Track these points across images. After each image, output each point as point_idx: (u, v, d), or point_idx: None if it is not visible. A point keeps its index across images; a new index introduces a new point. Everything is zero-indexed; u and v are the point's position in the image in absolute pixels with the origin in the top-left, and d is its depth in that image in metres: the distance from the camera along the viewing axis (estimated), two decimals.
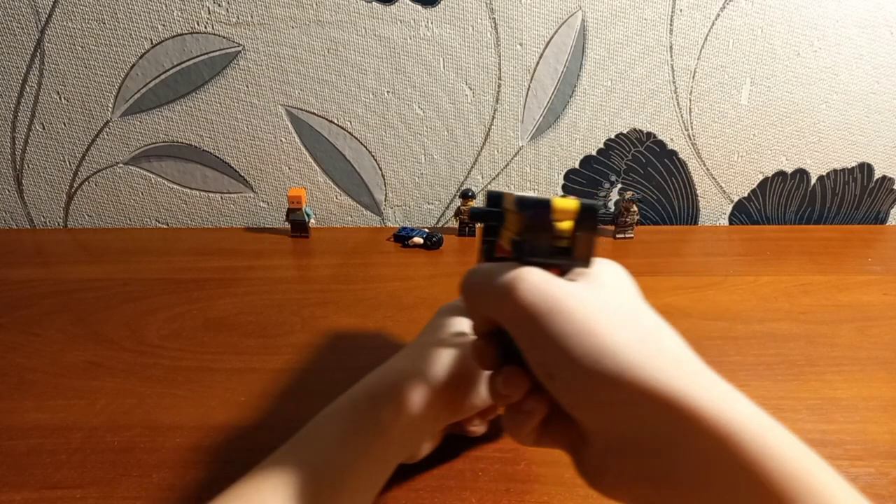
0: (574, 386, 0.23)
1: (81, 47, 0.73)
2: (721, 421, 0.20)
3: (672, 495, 0.21)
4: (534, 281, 0.23)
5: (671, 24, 0.73)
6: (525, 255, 0.25)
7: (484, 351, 0.27)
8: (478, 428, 0.38)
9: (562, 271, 0.26)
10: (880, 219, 0.87)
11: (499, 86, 0.76)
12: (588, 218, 0.24)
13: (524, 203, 0.25)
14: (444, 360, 0.34)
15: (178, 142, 0.79)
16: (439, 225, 0.85)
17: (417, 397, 0.32)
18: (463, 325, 0.38)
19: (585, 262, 0.25)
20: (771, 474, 0.19)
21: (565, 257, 0.25)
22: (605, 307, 0.23)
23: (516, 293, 0.23)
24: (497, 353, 0.27)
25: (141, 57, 0.73)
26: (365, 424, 0.31)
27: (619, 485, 0.23)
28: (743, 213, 0.85)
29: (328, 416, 0.32)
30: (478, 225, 0.40)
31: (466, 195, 0.73)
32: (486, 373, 0.33)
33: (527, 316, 0.23)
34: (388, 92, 0.76)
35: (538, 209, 0.24)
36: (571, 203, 0.24)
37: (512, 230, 0.28)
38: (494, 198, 0.31)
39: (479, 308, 0.26)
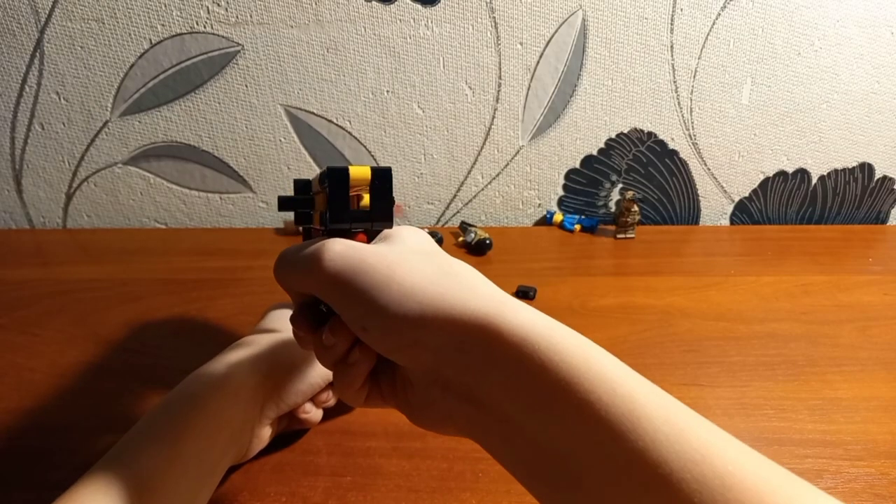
0: (386, 332, 0.24)
1: (81, 47, 0.73)
2: (516, 331, 0.22)
3: (487, 412, 0.23)
4: (336, 249, 0.25)
5: (672, 24, 0.73)
6: (329, 224, 0.26)
7: (301, 317, 0.28)
8: (311, 414, 0.38)
9: (368, 237, 0.28)
10: (881, 219, 0.87)
11: (499, 85, 0.76)
12: (381, 180, 0.26)
13: (323, 176, 0.27)
14: (261, 351, 0.35)
15: (177, 142, 0.78)
16: (439, 225, 0.85)
17: (237, 391, 0.33)
18: (284, 316, 0.39)
19: (385, 223, 0.27)
20: (558, 366, 0.21)
21: (366, 221, 0.27)
22: (404, 259, 0.25)
23: (322, 262, 0.24)
24: (314, 318, 0.28)
25: (140, 57, 0.73)
26: (182, 425, 0.30)
27: (445, 416, 0.25)
28: (744, 212, 0.85)
29: (147, 422, 0.31)
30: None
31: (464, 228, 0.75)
32: (308, 354, 0.35)
33: (334, 280, 0.24)
34: (387, 91, 0.76)
35: (335, 178, 0.26)
36: (364, 169, 0.26)
37: (321, 209, 0.29)
38: (302, 185, 0.33)
39: (291, 285, 0.28)
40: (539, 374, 0.21)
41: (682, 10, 0.72)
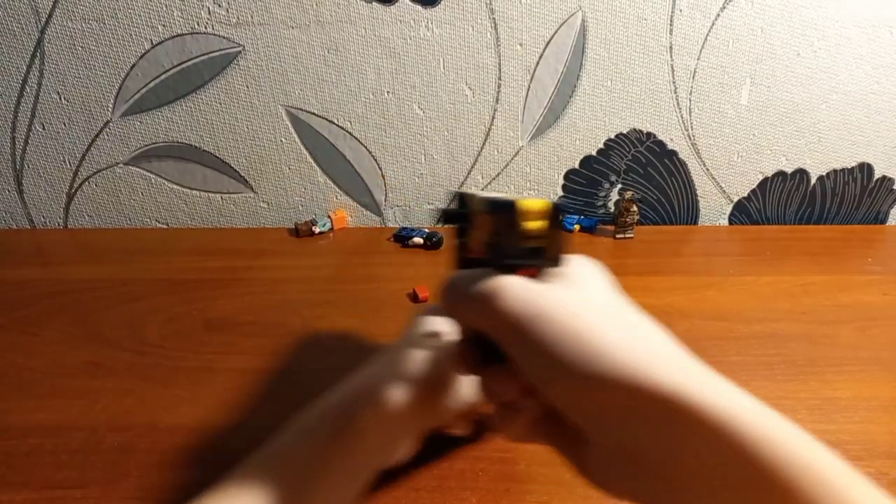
0: (567, 390, 0.22)
1: (81, 47, 0.73)
2: (716, 412, 0.20)
3: (675, 489, 0.21)
4: (514, 289, 0.23)
5: (671, 24, 0.73)
6: (498, 259, 0.25)
7: (465, 356, 0.27)
8: (462, 429, 0.38)
9: (538, 272, 0.26)
10: (880, 219, 0.87)
11: (499, 86, 0.76)
12: (555, 217, 0.25)
13: (492, 205, 0.25)
14: (418, 364, 0.34)
15: (178, 142, 0.79)
16: (439, 225, 0.85)
17: (393, 402, 0.32)
18: (438, 324, 0.37)
19: (557, 262, 0.25)
20: (771, 462, 0.18)
21: (538, 258, 0.25)
22: (588, 308, 0.23)
23: (497, 303, 0.23)
24: (478, 358, 0.26)
25: (141, 57, 0.73)
26: (338, 430, 0.30)
27: (621, 482, 0.23)
28: (743, 213, 0.85)
29: (302, 422, 0.31)
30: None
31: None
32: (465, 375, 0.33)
33: (511, 325, 0.23)
34: (388, 92, 0.76)
35: (505, 211, 0.24)
36: (538, 203, 0.24)
37: (483, 232, 0.28)
38: (462, 199, 0.31)
39: (461, 318, 0.26)
40: (746, 468, 0.19)
41: (681, 10, 0.72)
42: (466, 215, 0.30)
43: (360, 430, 0.30)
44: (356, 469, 0.30)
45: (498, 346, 0.24)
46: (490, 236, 0.26)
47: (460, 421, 0.37)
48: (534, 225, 0.24)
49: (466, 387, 0.35)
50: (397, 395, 0.32)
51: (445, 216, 0.31)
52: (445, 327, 0.37)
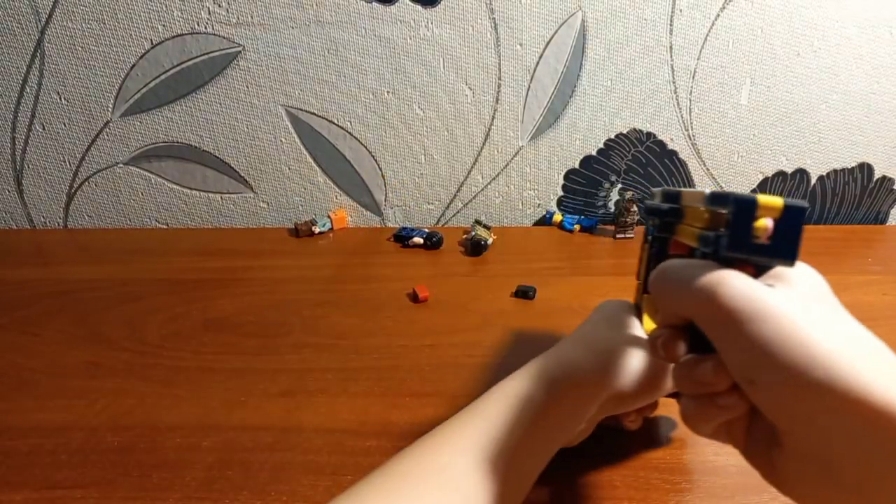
0: (780, 394, 0.22)
1: (81, 47, 0.73)
2: None
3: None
4: (737, 284, 0.23)
5: (671, 24, 0.73)
6: (722, 252, 0.24)
7: (673, 342, 0.26)
8: (634, 423, 0.39)
9: (757, 272, 0.25)
10: (880, 219, 0.87)
11: (499, 86, 0.76)
12: (794, 217, 0.24)
13: (724, 199, 0.25)
14: (620, 356, 0.35)
15: (178, 142, 0.79)
16: (439, 225, 0.85)
17: (592, 388, 0.34)
18: (636, 327, 0.38)
19: (787, 262, 0.25)
20: None
21: (765, 256, 0.24)
22: (810, 313, 0.23)
23: (719, 296, 0.23)
24: (686, 346, 0.26)
25: (141, 57, 0.73)
26: (533, 415, 0.32)
27: (812, 491, 0.23)
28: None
29: (508, 395, 0.33)
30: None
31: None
32: (654, 367, 0.35)
33: (730, 319, 0.22)
34: (388, 92, 0.76)
35: (743, 206, 0.24)
36: (775, 200, 0.24)
37: (696, 226, 0.28)
38: (673, 195, 0.32)
39: (672, 306, 0.26)
40: None
41: (681, 10, 0.72)
42: (678, 210, 0.31)
43: (558, 415, 0.32)
44: (547, 451, 0.32)
45: (706, 339, 0.24)
46: (711, 229, 0.26)
47: (636, 414, 0.39)
48: (760, 223, 0.24)
49: (657, 386, 0.36)
50: (594, 384, 0.34)
51: (650, 210, 0.31)
52: (638, 328, 0.38)
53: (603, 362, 0.34)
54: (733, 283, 0.23)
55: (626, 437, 0.41)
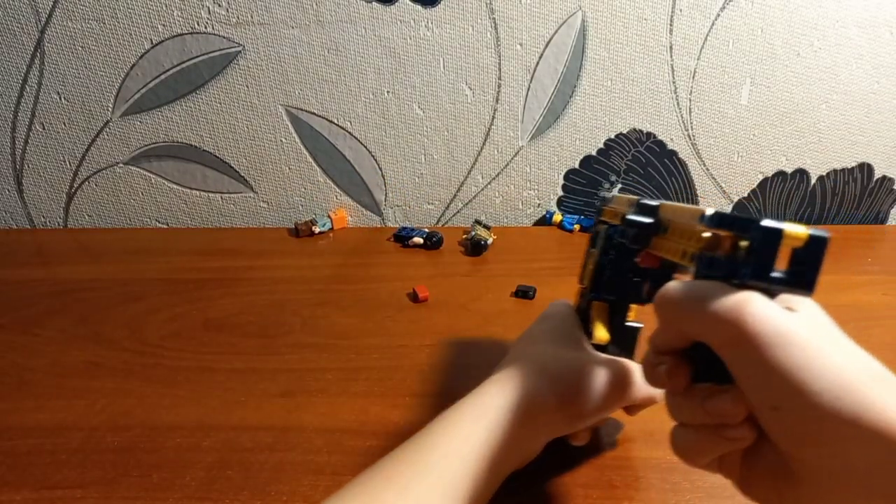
0: (805, 423, 0.21)
1: (81, 47, 0.73)
2: None
3: None
4: (763, 308, 0.22)
5: (671, 25, 0.73)
6: (745, 280, 0.23)
7: (679, 370, 0.25)
8: (583, 439, 0.38)
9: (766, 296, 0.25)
10: (880, 219, 0.87)
11: (499, 86, 0.76)
12: (816, 248, 0.24)
13: (740, 223, 0.24)
14: (575, 381, 0.34)
15: (178, 142, 0.79)
16: (439, 225, 0.85)
17: (537, 417, 0.33)
18: (584, 342, 0.38)
19: (804, 292, 0.24)
20: None
21: (786, 285, 0.24)
22: (832, 341, 0.23)
23: (745, 318, 0.22)
24: (691, 373, 0.25)
25: (141, 57, 0.73)
26: (483, 439, 0.31)
27: None
28: (743, 213, 0.85)
29: (451, 424, 0.32)
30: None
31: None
32: (612, 392, 0.34)
33: (754, 344, 0.22)
34: (388, 92, 0.76)
35: (769, 238, 0.23)
36: (802, 232, 0.24)
37: (687, 244, 0.27)
38: (650, 208, 0.32)
39: (687, 328, 0.25)
40: None
41: (681, 10, 0.72)
42: (659, 224, 0.31)
43: (507, 440, 0.31)
44: (497, 473, 0.31)
45: (713, 366, 0.24)
46: (707, 250, 0.26)
47: (586, 430, 0.38)
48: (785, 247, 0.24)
49: (611, 404, 0.36)
50: (546, 406, 0.33)
51: (629, 224, 0.31)
52: (585, 341, 0.38)
53: (559, 391, 0.34)
54: (759, 306, 0.22)
55: (626, 438, 0.41)
